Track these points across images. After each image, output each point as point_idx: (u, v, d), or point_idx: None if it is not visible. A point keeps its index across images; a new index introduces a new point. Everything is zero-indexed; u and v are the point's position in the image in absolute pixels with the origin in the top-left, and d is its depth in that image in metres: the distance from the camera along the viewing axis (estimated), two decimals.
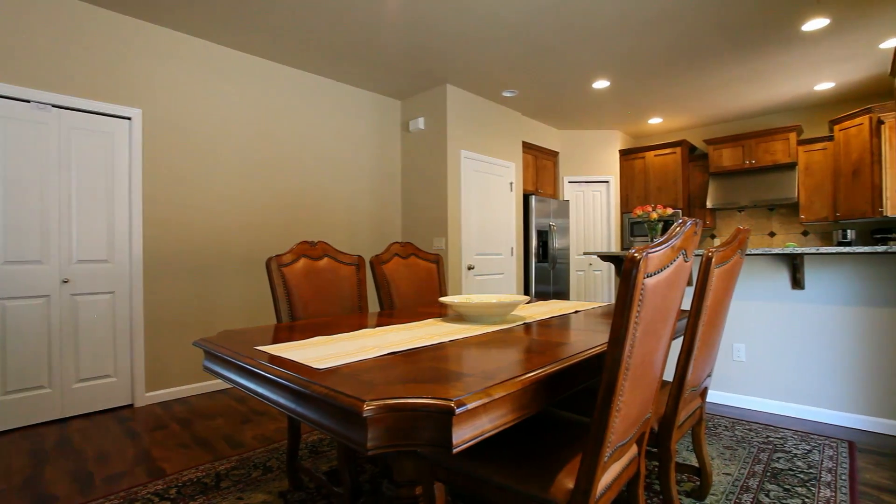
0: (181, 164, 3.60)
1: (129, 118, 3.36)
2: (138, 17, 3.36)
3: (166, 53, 3.52)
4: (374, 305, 4.67)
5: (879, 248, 2.45)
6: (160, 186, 3.49)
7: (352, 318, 2.08)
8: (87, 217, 3.20)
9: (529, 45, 3.84)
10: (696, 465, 2.20)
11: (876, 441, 2.52)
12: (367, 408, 0.88)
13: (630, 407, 1.15)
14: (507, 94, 5.04)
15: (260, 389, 1.26)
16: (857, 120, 4.86)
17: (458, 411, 0.87)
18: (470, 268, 4.91)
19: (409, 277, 2.79)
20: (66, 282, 3.09)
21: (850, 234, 5.18)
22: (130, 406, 3.32)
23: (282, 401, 1.16)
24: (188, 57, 3.63)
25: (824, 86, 4.91)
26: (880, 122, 4.62)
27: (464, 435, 0.91)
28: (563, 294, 6.12)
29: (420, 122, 4.93)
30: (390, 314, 2.22)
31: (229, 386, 3.82)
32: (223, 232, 3.82)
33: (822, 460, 2.27)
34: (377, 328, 1.77)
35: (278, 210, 4.18)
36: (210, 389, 3.71)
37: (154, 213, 3.46)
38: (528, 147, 5.95)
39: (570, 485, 1.12)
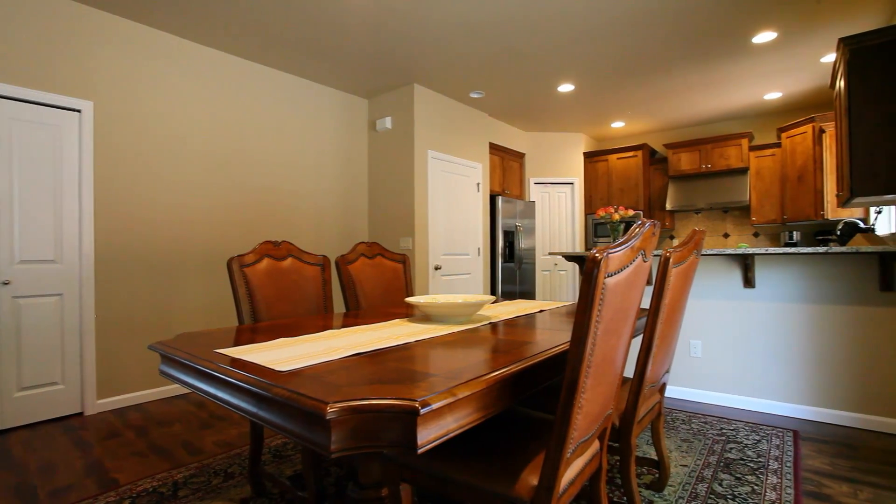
0: (138, 160, 3.44)
1: (78, 110, 3.18)
2: (90, 4, 3.19)
3: (121, 45, 3.36)
4: (339, 306, 4.61)
5: (821, 249, 2.61)
6: (114, 183, 3.33)
7: (317, 320, 2.04)
8: (31, 214, 3.01)
9: (497, 46, 3.88)
10: (656, 458, 2.28)
11: (818, 429, 2.68)
12: (331, 410, 0.87)
13: (592, 404, 1.18)
14: (475, 96, 5.07)
15: (220, 394, 1.22)
16: (802, 128, 5.16)
17: (422, 411, 0.87)
18: (437, 268, 4.91)
19: (375, 278, 2.77)
20: (6, 283, 2.90)
21: (796, 235, 5.49)
22: (80, 414, 3.15)
23: (243, 405, 1.12)
24: (146, 49, 3.48)
25: (773, 95, 5.18)
26: (822, 131, 4.92)
27: (429, 435, 0.91)
28: (529, 294, 6.21)
29: (387, 122, 4.90)
30: (356, 315, 2.20)
31: (188, 391, 3.68)
32: (183, 231, 3.68)
33: (770, 449, 2.39)
34: (342, 329, 1.75)
35: (242, 209, 4.06)
36: (168, 395, 3.57)
37: (108, 211, 3.30)
38: (494, 148, 6.01)
39: (535, 481, 1.13)
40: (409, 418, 0.89)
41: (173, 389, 3.60)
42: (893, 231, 3.55)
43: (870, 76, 2.74)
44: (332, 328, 1.78)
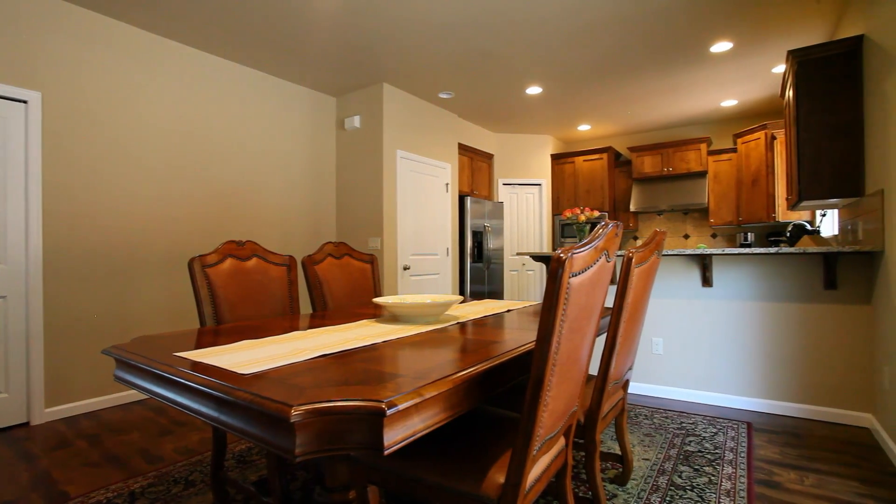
0: (92, 155, 3.28)
1: (24, 101, 3.00)
2: None
3: (73, 33, 3.19)
4: (306, 307, 4.53)
5: (772, 250, 2.74)
6: (66, 178, 3.16)
7: (282, 321, 2.00)
8: None
9: (467, 47, 3.90)
10: (619, 452, 2.34)
11: (770, 421, 2.82)
12: (295, 413, 0.85)
13: (557, 401, 1.20)
14: (444, 96, 5.08)
15: (179, 398, 1.17)
16: (756, 135, 5.42)
17: (389, 412, 0.87)
18: (406, 268, 4.90)
19: (342, 278, 2.73)
20: None
21: (751, 236, 5.76)
22: (26, 424, 2.98)
23: (203, 409, 1.09)
24: (100, 38, 3.32)
25: (729, 103, 5.41)
26: (773, 138, 5.18)
27: (395, 436, 0.90)
28: (497, 293, 6.27)
29: (356, 121, 4.84)
30: (323, 316, 2.16)
31: (146, 396, 3.54)
32: (141, 229, 3.52)
33: (726, 441, 2.50)
34: (309, 330, 1.72)
35: (205, 207, 3.93)
36: (125, 401, 3.41)
37: (58, 208, 3.12)
38: (463, 149, 6.04)
39: (501, 479, 1.15)
40: (375, 420, 0.88)
41: (130, 395, 3.45)
42: (836, 233, 3.78)
43: (815, 87, 2.90)
44: (298, 329, 1.75)
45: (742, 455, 2.33)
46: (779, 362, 2.98)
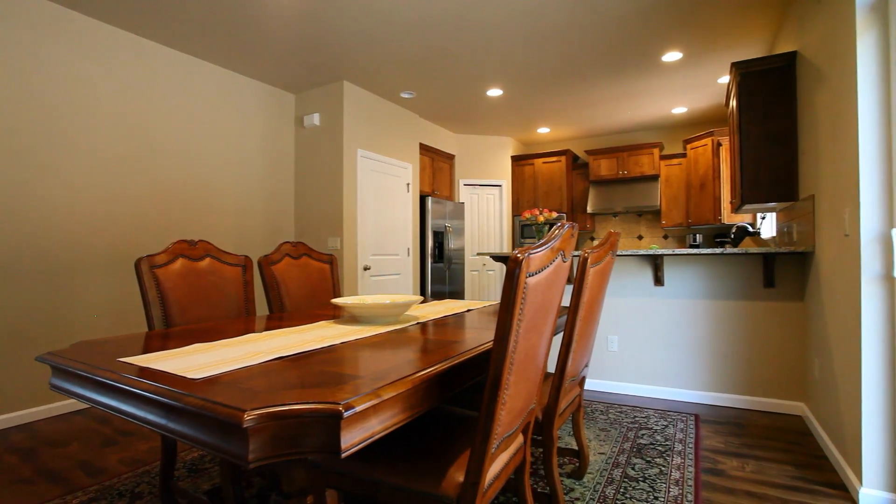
0: (23, 146, 3.05)
1: None
2: None
3: (4, 17, 2.96)
4: (262, 309, 4.40)
5: (717, 250, 2.90)
6: None
7: (237, 323, 1.94)
8: None
9: (427, 47, 3.90)
10: (576, 448, 2.41)
11: (716, 412, 2.98)
12: (248, 417, 0.83)
13: (515, 400, 1.22)
14: (406, 96, 5.06)
15: (124, 406, 1.11)
16: (703, 141, 5.70)
17: (346, 414, 0.86)
18: (366, 268, 4.84)
19: (300, 279, 2.67)
20: None
21: (699, 237, 6.06)
22: None
23: (151, 417, 1.04)
24: (37, 24, 3.10)
25: (679, 110, 5.68)
26: (719, 145, 5.47)
27: (353, 438, 0.89)
28: (458, 294, 6.31)
29: (315, 118, 4.75)
30: (280, 317, 2.11)
31: (88, 405, 3.33)
32: (82, 227, 3.31)
33: (676, 433, 2.62)
34: (265, 332, 1.67)
35: (155, 205, 3.74)
36: (63, 411, 3.20)
37: None
38: (425, 149, 6.04)
39: (461, 478, 1.16)
40: (331, 422, 0.87)
41: (70, 405, 3.24)
42: (774, 234, 4.03)
43: (755, 98, 3.09)
44: (253, 332, 1.69)
45: (690, 445, 2.45)
46: (723, 357, 3.15)
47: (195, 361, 1.23)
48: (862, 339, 1.97)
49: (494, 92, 4.95)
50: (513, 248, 6.88)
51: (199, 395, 0.92)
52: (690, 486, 2.02)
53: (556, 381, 1.72)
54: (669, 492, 1.97)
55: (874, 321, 1.96)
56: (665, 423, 2.79)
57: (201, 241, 2.28)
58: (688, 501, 1.88)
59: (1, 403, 2.94)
